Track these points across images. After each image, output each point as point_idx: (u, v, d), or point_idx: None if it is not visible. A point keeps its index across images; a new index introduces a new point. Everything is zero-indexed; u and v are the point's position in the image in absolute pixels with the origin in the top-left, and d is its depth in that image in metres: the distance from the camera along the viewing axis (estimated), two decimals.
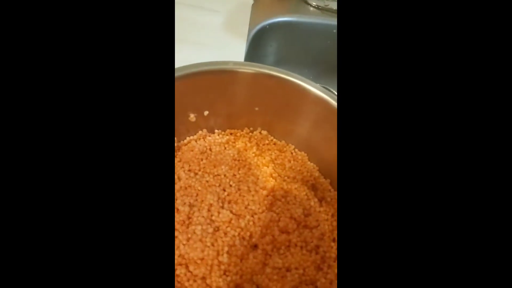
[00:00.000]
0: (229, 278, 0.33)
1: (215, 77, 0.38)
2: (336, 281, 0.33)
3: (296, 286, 0.33)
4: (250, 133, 0.44)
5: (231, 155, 0.41)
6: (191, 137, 0.42)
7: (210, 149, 0.41)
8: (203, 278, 0.32)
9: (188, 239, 0.33)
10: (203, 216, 0.35)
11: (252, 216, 0.36)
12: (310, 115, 0.40)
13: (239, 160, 0.41)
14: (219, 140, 0.42)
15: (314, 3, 0.63)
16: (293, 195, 0.39)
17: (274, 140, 0.44)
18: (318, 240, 0.36)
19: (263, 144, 0.43)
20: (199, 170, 0.39)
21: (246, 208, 0.37)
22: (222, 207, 0.36)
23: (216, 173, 0.39)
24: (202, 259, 0.33)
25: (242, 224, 0.35)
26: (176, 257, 0.32)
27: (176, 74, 0.36)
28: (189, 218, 0.35)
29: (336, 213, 0.38)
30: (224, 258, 0.33)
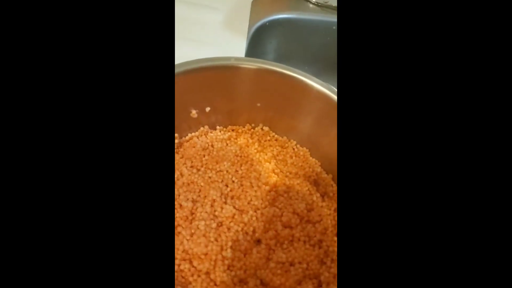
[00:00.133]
0: (233, 273, 0.33)
1: (217, 73, 0.38)
2: None
3: (299, 280, 0.33)
4: (252, 129, 0.44)
5: (233, 151, 0.41)
6: (193, 134, 0.42)
7: (212, 146, 0.42)
8: (207, 273, 0.32)
9: (191, 235, 0.33)
10: (206, 212, 0.35)
11: (255, 211, 0.36)
12: (312, 110, 0.40)
13: (241, 156, 0.41)
14: (221, 137, 0.42)
15: (313, 0, 0.63)
16: (296, 190, 0.39)
17: (276, 136, 0.44)
18: (321, 234, 0.36)
19: (265, 140, 0.44)
20: (202, 166, 0.39)
21: (249, 203, 0.37)
22: (225, 203, 0.36)
23: (218, 169, 0.39)
24: (206, 254, 0.33)
25: (245, 219, 0.35)
26: (180, 252, 0.32)
27: (177, 70, 0.36)
28: (192, 213, 0.35)
29: None
30: (228, 253, 0.33)
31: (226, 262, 0.33)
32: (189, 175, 0.37)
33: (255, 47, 0.60)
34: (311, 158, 0.43)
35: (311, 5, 0.64)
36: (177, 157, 0.40)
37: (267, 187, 0.39)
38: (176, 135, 0.41)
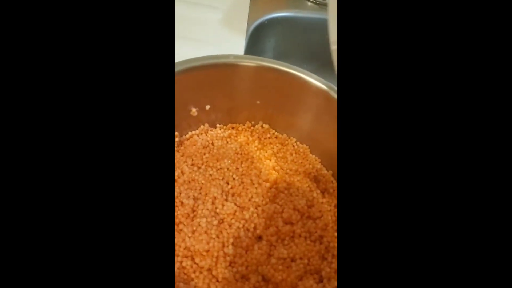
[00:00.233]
0: (234, 269, 0.33)
1: (217, 70, 0.38)
2: None
3: (301, 275, 0.34)
4: (252, 127, 0.44)
5: (234, 149, 0.41)
6: (193, 132, 0.42)
7: (213, 144, 0.42)
8: (209, 270, 0.32)
9: (193, 232, 0.34)
10: (207, 209, 0.35)
11: (256, 208, 0.37)
12: (312, 107, 0.40)
13: (241, 154, 0.41)
14: (221, 134, 0.43)
15: None
16: (296, 187, 0.39)
17: (276, 133, 0.44)
18: (321, 230, 0.36)
19: (265, 138, 0.44)
20: (202, 164, 0.39)
21: (249, 200, 0.37)
22: (226, 200, 0.36)
23: (219, 167, 0.39)
24: (207, 251, 0.33)
25: (247, 216, 0.36)
26: (182, 249, 0.33)
27: (177, 68, 0.36)
28: (193, 211, 0.35)
29: None
30: (230, 250, 0.33)
31: (228, 258, 0.33)
32: (190, 173, 0.38)
33: (254, 45, 0.60)
34: (311, 155, 0.43)
35: (309, 3, 0.64)
36: (177, 155, 0.40)
37: (268, 184, 0.39)
38: (176, 133, 0.41)
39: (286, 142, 0.43)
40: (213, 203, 0.36)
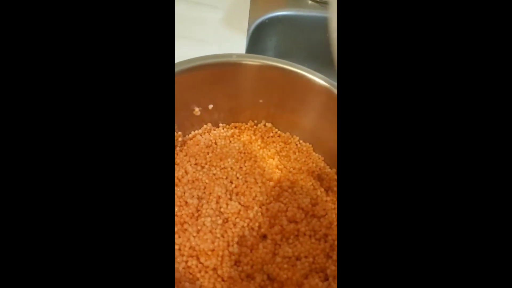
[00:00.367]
0: (240, 268, 0.33)
1: (219, 70, 0.38)
2: None
3: (306, 274, 0.34)
4: (255, 126, 0.44)
5: (237, 148, 0.41)
6: (196, 131, 0.42)
7: (216, 143, 0.42)
8: (214, 269, 0.32)
9: (198, 231, 0.34)
10: (212, 208, 0.35)
11: (260, 207, 0.36)
12: (315, 105, 0.40)
13: (244, 153, 0.41)
14: (224, 134, 0.43)
15: None
16: (300, 185, 0.39)
17: (279, 132, 0.44)
18: (326, 228, 0.36)
19: (268, 137, 0.44)
20: (206, 164, 0.39)
21: (253, 199, 0.37)
22: (230, 199, 0.36)
23: (222, 166, 0.39)
24: (212, 250, 0.33)
25: (251, 215, 0.35)
26: (187, 249, 0.33)
27: (179, 68, 0.36)
28: (198, 210, 0.35)
29: None
30: (235, 249, 0.33)
31: (233, 257, 0.33)
32: (194, 172, 0.38)
33: (255, 44, 0.60)
34: (314, 153, 0.43)
35: (310, 2, 0.64)
36: (181, 155, 0.40)
37: (272, 183, 0.39)
38: (179, 133, 0.41)
39: (289, 140, 0.43)
40: (217, 203, 0.36)
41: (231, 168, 0.39)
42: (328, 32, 0.33)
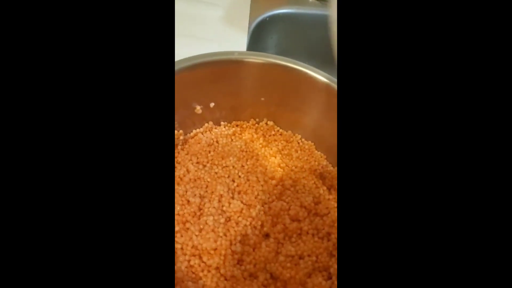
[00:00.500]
0: (242, 267, 0.33)
1: (220, 67, 0.38)
2: None
3: (309, 273, 0.33)
4: (256, 124, 0.44)
5: (239, 146, 0.41)
6: (198, 130, 0.42)
7: (217, 141, 0.41)
8: (217, 268, 0.32)
9: (200, 230, 0.33)
10: (214, 207, 0.35)
11: (263, 205, 0.36)
12: (317, 103, 0.40)
13: (246, 152, 0.41)
14: (226, 132, 0.42)
15: None
16: (302, 184, 0.39)
17: (281, 130, 0.44)
18: (329, 227, 0.36)
19: (270, 135, 0.43)
20: (208, 162, 0.39)
21: (256, 198, 0.37)
22: (233, 198, 0.36)
23: (224, 165, 0.39)
24: (215, 249, 0.33)
25: (253, 214, 0.35)
26: (189, 248, 0.32)
27: (181, 65, 0.36)
28: (200, 209, 0.35)
29: None
30: (237, 248, 0.33)
31: (236, 256, 0.33)
32: (196, 171, 0.37)
33: (256, 42, 0.60)
34: (316, 151, 0.43)
35: (310, 0, 0.64)
36: (182, 153, 0.40)
37: (274, 181, 0.38)
38: (180, 131, 0.41)
39: (291, 139, 0.43)
40: (219, 201, 0.36)
41: (233, 166, 0.39)
42: (329, 30, 0.33)
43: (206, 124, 0.42)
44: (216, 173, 0.38)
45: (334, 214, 0.37)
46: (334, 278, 0.33)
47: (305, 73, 0.37)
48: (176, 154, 0.39)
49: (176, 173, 0.37)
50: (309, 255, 0.34)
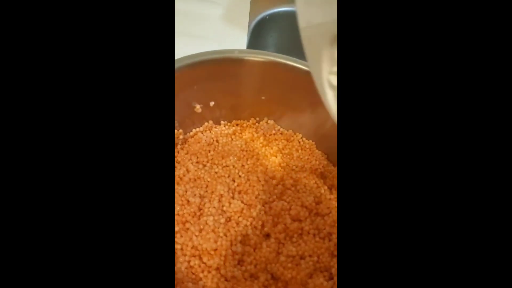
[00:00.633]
0: (243, 268, 0.32)
1: (220, 66, 0.37)
2: None
3: (310, 273, 0.33)
4: (257, 123, 0.43)
5: (239, 146, 0.41)
6: (197, 129, 0.42)
7: (217, 141, 0.41)
8: (218, 269, 0.32)
9: (200, 230, 0.33)
10: (214, 207, 0.34)
11: (263, 205, 0.36)
12: (318, 102, 0.39)
13: (247, 151, 0.41)
14: (226, 131, 0.42)
15: None
16: (303, 183, 0.39)
17: (281, 129, 0.43)
18: (330, 227, 0.36)
19: (270, 134, 0.43)
20: (207, 162, 0.39)
21: (256, 197, 0.36)
22: (233, 197, 0.36)
23: (224, 164, 0.38)
24: (215, 249, 0.32)
25: (254, 214, 0.35)
26: (189, 248, 0.32)
27: (181, 63, 0.35)
28: (200, 209, 0.35)
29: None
30: (238, 248, 0.33)
31: (236, 257, 0.32)
32: (196, 170, 0.37)
33: (256, 41, 0.59)
34: (317, 150, 0.42)
35: None
36: (182, 153, 0.39)
37: (274, 181, 0.38)
38: (180, 131, 0.40)
39: (292, 138, 0.43)
40: (219, 201, 0.35)
41: (233, 166, 0.38)
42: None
43: (206, 123, 0.42)
44: (216, 172, 0.37)
45: (335, 214, 0.37)
46: (336, 279, 0.33)
47: (306, 72, 0.37)
48: (175, 154, 0.39)
49: (176, 173, 0.37)
50: (310, 256, 0.34)
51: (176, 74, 0.34)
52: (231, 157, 0.39)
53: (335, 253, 0.34)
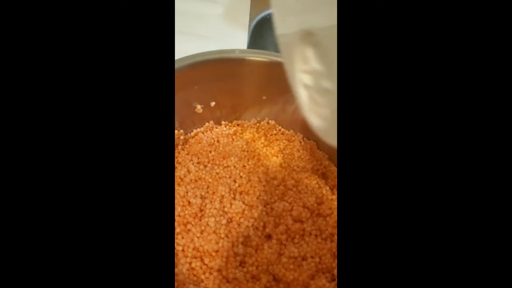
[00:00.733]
0: (245, 269, 0.32)
1: (221, 65, 0.37)
2: None
3: (313, 274, 0.33)
4: (258, 124, 0.43)
5: (240, 146, 0.40)
6: (198, 130, 0.42)
7: (218, 141, 0.41)
8: (219, 270, 0.32)
9: (201, 232, 0.33)
10: (215, 208, 0.34)
11: (265, 206, 0.36)
12: None
13: (248, 151, 0.40)
14: (227, 132, 0.42)
15: None
16: (305, 184, 0.39)
17: (282, 129, 0.43)
18: (332, 228, 0.36)
19: (271, 134, 0.43)
20: (208, 162, 0.38)
21: (258, 198, 0.36)
22: (234, 198, 0.36)
23: (225, 165, 0.38)
24: (217, 251, 0.32)
25: (255, 215, 0.35)
26: (190, 250, 0.32)
27: (181, 63, 0.35)
28: (201, 210, 0.34)
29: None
30: (239, 249, 0.32)
31: (238, 258, 0.32)
32: (196, 171, 0.37)
33: (256, 40, 0.59)
34: (318, 151, 0.42)
35: None
36: (183, 153, 0.39)
37: (276, 182, 0.38)
38: (181, 131, 0.40)
39: (293, 138, 0.43)
40: (221, 202, 0.35)
41: (234, 166, 0.38)
42: None
43: (206, 124, 0.42)
44: (217, 173, 0.37)
45: (337, 214, 0.36)
46: None
47: None
48: (176, 154, 0.39)
49: (177, 174, 0.36)
50: (312, 257, 0.33)
51: (177, 74, 0.34)
52: (232, 158, 0.38)
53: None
